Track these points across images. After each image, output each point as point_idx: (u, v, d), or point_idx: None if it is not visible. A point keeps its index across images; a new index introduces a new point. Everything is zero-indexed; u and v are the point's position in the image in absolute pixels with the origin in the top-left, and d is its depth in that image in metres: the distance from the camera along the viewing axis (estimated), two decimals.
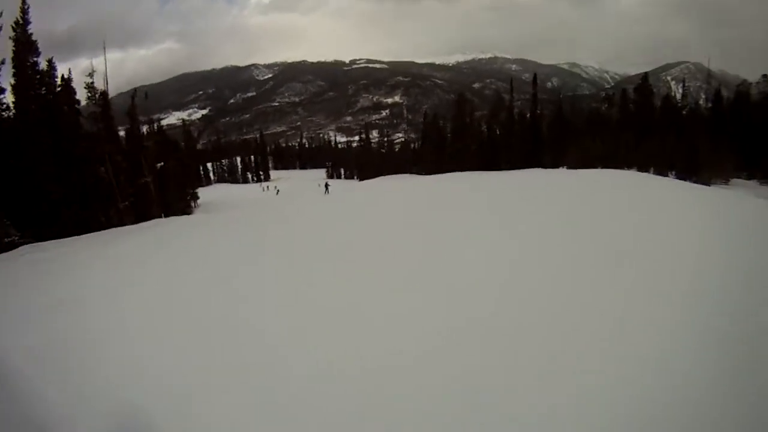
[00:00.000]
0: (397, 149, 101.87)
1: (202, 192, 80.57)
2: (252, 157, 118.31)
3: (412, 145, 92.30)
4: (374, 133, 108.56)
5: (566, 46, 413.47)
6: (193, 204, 64.62)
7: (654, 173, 41.52)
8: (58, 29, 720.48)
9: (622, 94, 61.90)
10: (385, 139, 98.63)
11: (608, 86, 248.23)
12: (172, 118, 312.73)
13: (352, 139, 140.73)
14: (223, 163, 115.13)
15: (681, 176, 39.47)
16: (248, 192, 79.47)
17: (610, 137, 51.19)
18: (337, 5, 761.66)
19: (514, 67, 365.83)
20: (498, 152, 58.61)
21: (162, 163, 48.47)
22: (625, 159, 47.11)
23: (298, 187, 67.52)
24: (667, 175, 40.15)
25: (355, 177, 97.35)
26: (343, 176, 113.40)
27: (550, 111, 65.34)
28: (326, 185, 60.04)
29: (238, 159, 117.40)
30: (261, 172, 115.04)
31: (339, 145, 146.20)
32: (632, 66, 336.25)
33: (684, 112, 58.42)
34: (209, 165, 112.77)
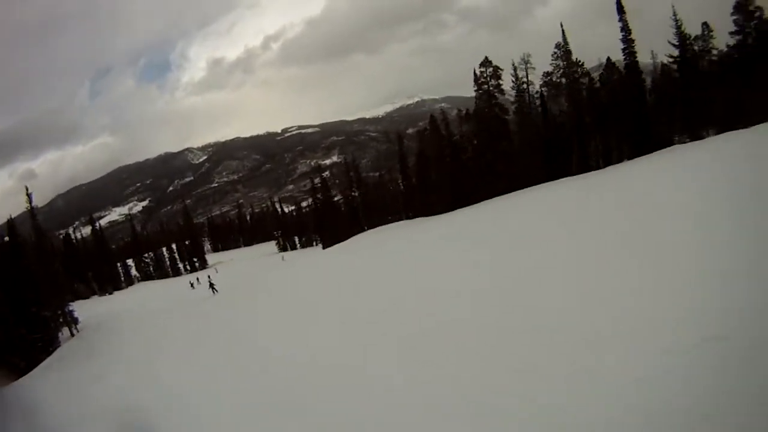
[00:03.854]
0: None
1: (115, 298, 61.95)
2: (178, 244, 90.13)
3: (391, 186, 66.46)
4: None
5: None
6: (61, 332, 36.90)
7: None
8: None
9: None
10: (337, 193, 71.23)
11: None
12: (114, 215, 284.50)
13: (297, 207, 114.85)
14: (146, 258, 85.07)
15: None
16: (172, 291, 53.56)
17: None
18: (264, 76, 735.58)
19: (443, 104, 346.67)
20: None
21: None
22: None
23: (240, 271, 48.99)
24: None
25: (316, 243, 71.40)
26: (298, 245, 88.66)
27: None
28: (210, 284, 39.69)
29: (164, 249, 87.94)
30: (195, 260, 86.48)
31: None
32: None
33: None
34: (130, 261, 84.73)
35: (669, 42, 42.25)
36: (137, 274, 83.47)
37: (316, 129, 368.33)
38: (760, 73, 35.27)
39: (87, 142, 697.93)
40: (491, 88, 46.89)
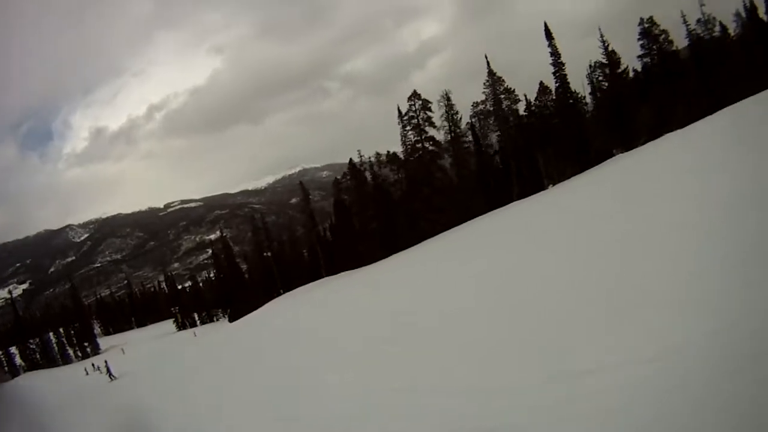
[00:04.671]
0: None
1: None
2: (66, 328, 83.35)
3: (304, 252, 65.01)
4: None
5: (369, 139, 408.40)
6: None
7: None
8: None
9: None
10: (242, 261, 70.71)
11: None
12: None
13: (192, 283, 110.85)
14: (31, 344, 78.07)
15: None
16: (65, 382, 46.77)
17: None
18: (147, 147, 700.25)
19: (324, 173, 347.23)
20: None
21: None
22: None
23: (152, 351, 47.26)
24: None
25: (217, 318, 68.96)
26: (198, 322, 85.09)
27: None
28: (107, 370, 37.48)
29: (51, 334, 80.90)
30: (86, 344, 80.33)
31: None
32: None
33: None
34: (13, 349, 77.20)
35: (599, 62, 46.90)
36: (23, 363, 76.39)
37: (199, 203, 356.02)
38: (672, 88, 41.13)
39: None
40: (421, 122, 46.06)
